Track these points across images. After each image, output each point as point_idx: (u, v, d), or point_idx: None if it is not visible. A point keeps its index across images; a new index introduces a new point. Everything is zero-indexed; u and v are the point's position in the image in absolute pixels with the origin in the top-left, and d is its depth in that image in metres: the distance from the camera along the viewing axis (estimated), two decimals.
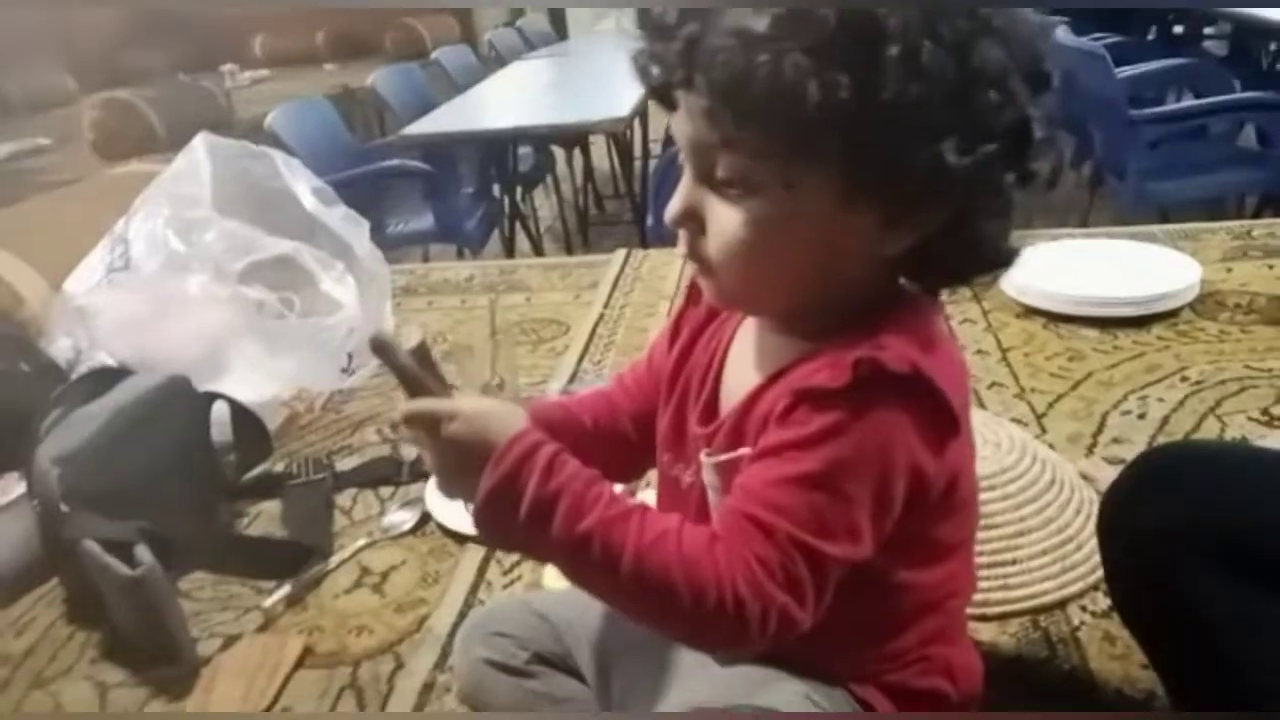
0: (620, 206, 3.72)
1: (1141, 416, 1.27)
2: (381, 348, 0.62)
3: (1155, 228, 1.99)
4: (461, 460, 0.59)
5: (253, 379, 1.38)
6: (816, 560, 0.56)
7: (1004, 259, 0.61)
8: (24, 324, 1.54)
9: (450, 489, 0.62)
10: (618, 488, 0.60)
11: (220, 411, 1.31)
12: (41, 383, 1.33)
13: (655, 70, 0.58)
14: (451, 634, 1.00)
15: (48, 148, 4.17)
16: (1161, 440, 1.21)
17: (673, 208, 0.61)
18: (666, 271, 1.93)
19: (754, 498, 0.57)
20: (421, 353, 0.63)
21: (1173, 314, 1.52)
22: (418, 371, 0.62)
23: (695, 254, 0.61)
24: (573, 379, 1.53)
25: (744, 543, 0.56)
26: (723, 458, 0.64)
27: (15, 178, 3.58)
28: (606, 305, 1.82)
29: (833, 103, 0.52)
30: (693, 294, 0.72)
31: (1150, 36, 4.07)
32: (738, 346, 0.69)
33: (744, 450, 0.62)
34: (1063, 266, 1.62)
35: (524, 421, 0.60)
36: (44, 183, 3.10)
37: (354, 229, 1.61)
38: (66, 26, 5.14)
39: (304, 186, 1.60)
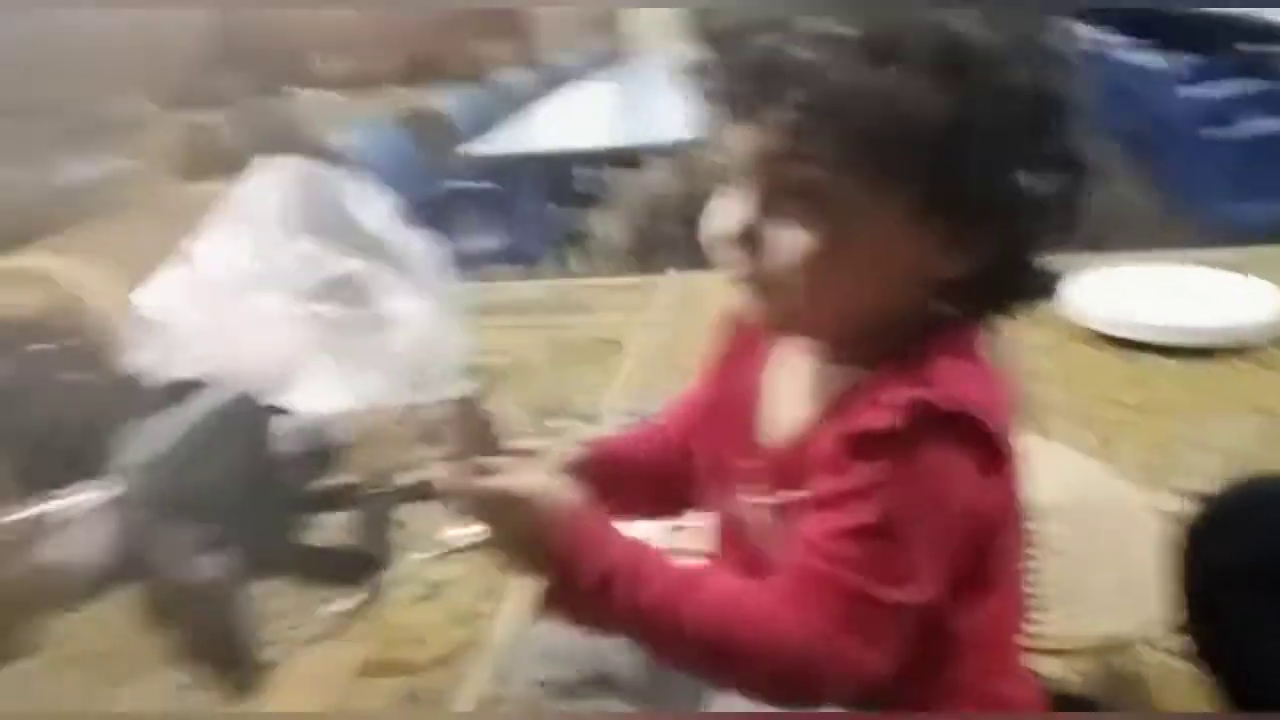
0: (679, 227, 3.73)
1: (1213, 449, 1.23)
2: (465, 411, 0.62)
3: (1229, 252, 1.93)
4: (527, 541, 0.59)
5: (322, 394, 1.41)
6: (887, 609, 0.55)
7: (1048, 287, 0.61)
8: (100, 338, 1.60)
9: (512, 567, 0.62)
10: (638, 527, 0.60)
11: (290, 425, 1.34)
12: (117, 394, 1.38)
13: (726, 82, 0.56)
14: (509, 648, 1.01)
15: (128, 168, 4.33)
16: (1234, 475, 1.17)
17: (727, 225, 0.58)
18: (724, 293, 1.92)
19: (816, 551, 0.56)
20: (469, 406, 0.63)
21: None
22: (487, 442, 0.62)
23: (752, 275, 0.59)
24: (630, 399, 1.54)
25: (813, 598, 0.55)
26: (771, 501, 0.63)
27: (96, 197, 3.72)
28: (664, 326, 1.82)
29: (941, 121, 0.52)
30: (731, 320, 0.71)
31: (1223, 56, 3.96)
32: (777, 374, 0.68)
33: (796, 494, 0.60)
34: (1135, 292, 1.59)
35: (581, 499, 0.60)
36: (124, 201, 3.22)
37: (422, 248, 1.65)
38: (146, 49, 5.34)
39: (373, 206, 1.64)
